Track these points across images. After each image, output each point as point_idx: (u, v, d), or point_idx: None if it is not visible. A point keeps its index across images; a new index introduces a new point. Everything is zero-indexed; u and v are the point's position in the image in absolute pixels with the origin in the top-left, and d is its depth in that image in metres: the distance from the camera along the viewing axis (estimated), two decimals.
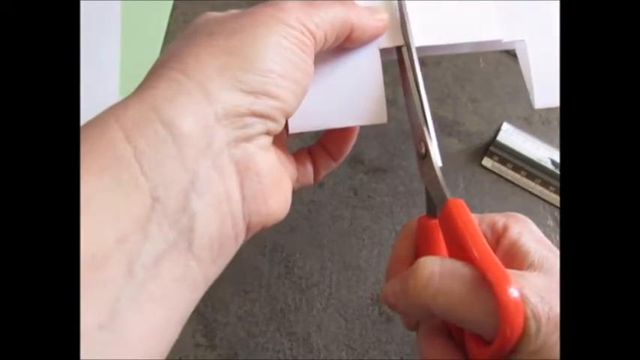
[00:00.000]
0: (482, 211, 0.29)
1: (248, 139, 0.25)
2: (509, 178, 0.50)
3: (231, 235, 0.25)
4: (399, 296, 0.26)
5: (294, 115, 0.29)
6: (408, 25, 0.30)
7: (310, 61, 0.27)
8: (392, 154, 0.51)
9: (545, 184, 0.49)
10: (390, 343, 0.46)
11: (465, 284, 0.24)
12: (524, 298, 0.22)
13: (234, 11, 0.27)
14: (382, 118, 0.30)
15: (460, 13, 0.31)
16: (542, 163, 0.49)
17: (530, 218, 0.29)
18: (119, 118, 0.22)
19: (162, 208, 0.22)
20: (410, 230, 0.31)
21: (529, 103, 0.52)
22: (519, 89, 0.53)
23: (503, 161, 0.50)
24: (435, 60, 0.54)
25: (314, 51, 0.27)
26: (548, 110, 0.52)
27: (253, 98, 0.24)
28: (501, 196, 0.50)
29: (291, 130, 0.30)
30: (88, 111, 0.23)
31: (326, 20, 0.27)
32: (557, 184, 0.49)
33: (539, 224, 0.29)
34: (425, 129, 0.29)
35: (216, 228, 0.24)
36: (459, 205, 0.26)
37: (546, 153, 0.49)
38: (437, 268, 0.24)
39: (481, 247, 0.24)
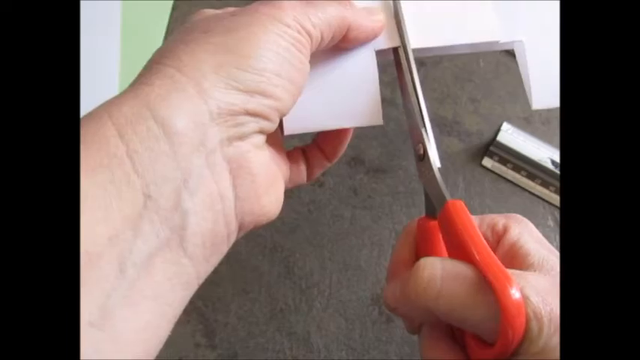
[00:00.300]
0: (482, 212, 0.29)
1: (242, 137, 0.25)
2: (509, 178, 0.50)
3: (224, 234, 0.25)
4: (399, 299, 0.26)
5: (290, 117, 0.29)
6: (404, 26, 0.30)
7: (306, 60, 0.27)
8: (392, 154, 0.51)
9: (545, 184, 0.49)
10: (390, 343, 0.46)
11: (466, 286, 0.23)
12: (525, 299, 0.22)
13: (231, 9, 0.27)
14: (378, 119, 0.30)
15: (457, 14, 0.31)
16: (542, 163, 0.49)
17: (530, 218, 0.29)
18: (112, 115, 0.22)
19: (154, 205, 0.22)
20: (410, 232, 0.31)
21: (529, 103, 0.52)
22: (519, 89, 0.53)
23: (503, 161, 0.50)
24: (435, 60, 0.54)
25: (310, 50, 0.27)
26: (548, 110, 0.52)
27: (248, 97, 0.24)
28: (501, 196, 0.50)
29: (287, 131, 0.30)
30: (88, 111, 0.23)
31: (323, 19, 0.27)
32: (557, 184, 0.49)
33: (539, 224, 0.29)
34: (423, 130, 0.29)
35: (209, 226, 0.24)
36: (458, 206, 0.26)
37: (546, 153, 0.49)
38: (438, 270, 0.24)
39: (481, 249, 0.24)
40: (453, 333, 0.27)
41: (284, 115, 0.27)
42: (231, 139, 0.24)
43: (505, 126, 0.51)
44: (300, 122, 0.30)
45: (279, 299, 0.48)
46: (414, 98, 0.29)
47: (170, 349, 0.46)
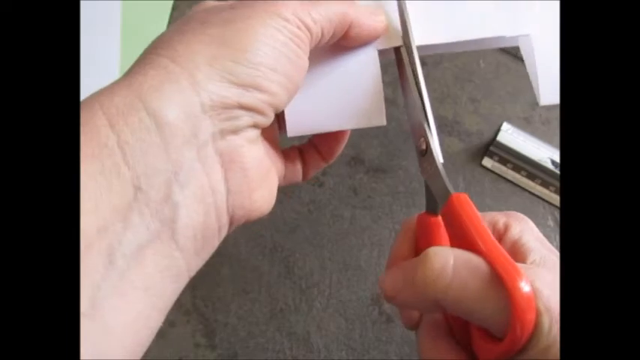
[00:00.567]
0: (481, 211, 0.29)
1: (234, 131, 0.24)
2: (509, 178, 0.50)
3: (215, 227, 0.24)
4: (401, 288, 0.26)
5: (293, 118, 0.29)
6: (408, 23, 0.30)
7: (305, 56, 0.26)
8: (392, 154, 0.51)
9: (545, 184, 0.49)
10: (390, 343, 0.46)
11: (478, 277, 0.23)
12: (536, 292, 0.22)
13: (232, 2, 0.27)
14: (381, 120, 0.30)
15: (461, 10, 0.31)
16: (542, 163, 0.49)
17: (530, 218, 0.29)
18: (103, 105, 0.22)
19: (144, 197, 0.22)
20: (409, 228, 0.30)
21: (529, 103, 0.52)
22: (519, 89, 0.53)
23: (503, 161, 0.50)
24: (435, 60, 0.54)
25: (309, 46, 0.26)
26: (548, 110, 0.52)
27: (242, 91, 0.24)
28: (501, 196, 0.50)
29: (290, 133, 0.30)
30: None
31: (324, 15, 0.26)
32: (557, 184, 0.49)
33: (539, 224, 0.29)
34: (425, 125, 0.28)
35: (200, 219, 0.23)
36: (463, 199, 0.25)
37: (546, 153, 0.49)
38: (450, 260, 0.23)
39: (489, 241, 0.23)
40: (453, 329, 0.27)
41: (279, 110, 0.26)
42: (224, 133, 0.24)
43: (505, 126, 0.51)
44: (303, 124, 0.30)
45: (279, 299, 0.48)
46: (415, 93, 0.29)
47: (170, 349, 0.46)
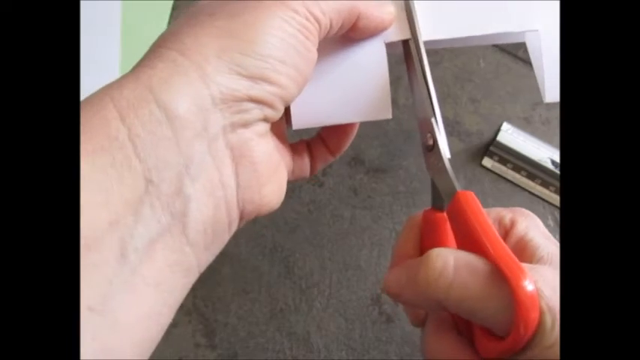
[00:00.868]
0: None
1: (245, 124, 0.24)
2: (509, 178, 0.50)
3: (225, 222, 0.24)
4: (404, 286, 0.26)
5: (298, 111, 0.29)
6: (415, 17, 0.30)
7: (314, 48, 0.26)
8: (392, 154, 0.51)
9: (545, 184, 0.49)
10: (390, 343, 0.46)
11: (479, 277, 0.23)
12: (539, 292, 0.22)
13: None
14: (387, 113, 0.30)
15: (469, 5, 0.30)
16: (542, 163, 0.49)
17: None
18: (114, 98, 0.22)
19: (155, 190, 0.21)
20: (414, 224, 0.30)
21: (529, 103, 0.52)
22: (519, 89, 0.53)
23: (503, 161, 0.50)
24: (435, 60, 0.54)
25: (318, 38, 0.26)
26: (548, 110, 0.52)
27: (251, 83, 0.24)
28: (501, 196, 0.50)
29: (295, 126, 0.30)
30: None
31: (332, 7, 0.26)
32: (557, 184, 0.49)
33: None
34: (433, 120, 0.28)
35: (210, 214, 0.23)
36: (469, 197, 0.25)
37: (546, 153, 0.49)
38: (451, 261, 0.24)
39: (494, 240, 0.23)
40: (459, 326, 0.27)
41: (288, 103, 0.26)
42: (234, 126, 0.24)
43: (505, 126, 0.51)
44: (308, 116, 0.30)
45: (279, 299, 0.48)
46: (423, 88, 0.29)
47: (170, 349, 0.46)
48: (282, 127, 0.29)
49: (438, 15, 0.30)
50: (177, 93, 0.22)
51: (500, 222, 0.28)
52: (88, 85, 0.23)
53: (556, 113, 0.52)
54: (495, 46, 0.54)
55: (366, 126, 0.31)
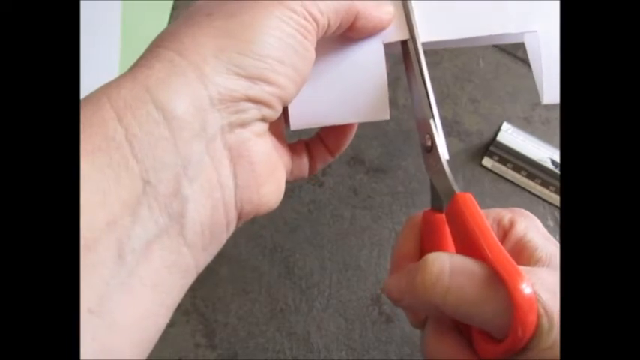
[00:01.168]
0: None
1: (243, 124, 0.24)
2: (509, 178, 0.50)
3: (223, 223, 0.24)
4: (404, 291, 0.26)
5: (296, 111, 0.29)
6: (413, 18, 0.30)
7: (312, 48, 0.26)
8: (392, 154, 0.51)
9: (545, 184, 0.49)
10: (390, 343, 0.46)
11: (476, 282, 0.23)
12: (536, 294, 0.22)
13: None
14: (385, 114, 0.30)
15: (468, 6, 0.30)
16: (542, 163, 0.49)
17: None
18: (111, 98, 0.22)
19: (153, 191, 0.21)
20: (414, 224, 0.30)
21: (529, 103, 0.52)
22: (519, 89, 0.53)
23: (503, 161, 0.50)
24: (435, 60, 0.54)
25: (317, 37, 0.26)
26: (548, 110, 0.52)
27: (249, 83, 0.24)
28: (501, 196, 0.50)
29: (293, 126, 0.30)
30: None
31: (330, 6, 0.26)
32: (557, 184, 0.49)
33: None
34: (431, 121, 0.28)
35: (208, 214, 0.23)
36: (467, 199, 0.25)
37: (546, 153, 0.49)
38: (447, 265, 0.24)
39: (492, 243, 0.23)
40: (459, 327, 0.27)
41: (287, 103, 0.26)
42: (232, 126, 0.24)
43: (505, 126, 0.51)
44: (306, 117, 0.29)
45: (279, 299, 0.48)
46: (422, 89, 0.29)
47: (170, 349, 0.46)
48: (280, 127, 0.29)
49: (436, 16, 0.30)
50: (174, 93, 0.22)
51: (499, 222, 0.28)
52: (88, 85, 0.23)
53: (556, 113, 0.52)
54: (495, 46, 0.54)
55: (366, 126, 0.31)
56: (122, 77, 0.23)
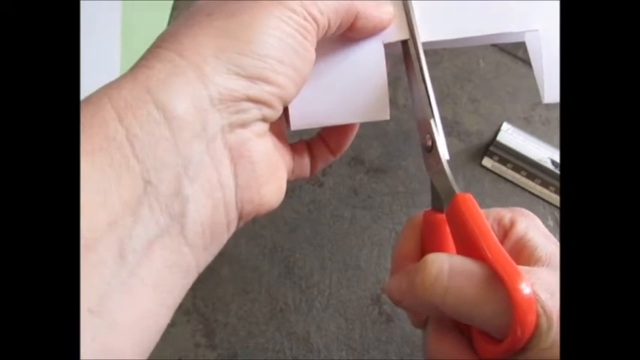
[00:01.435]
0: None
1: (243, 124, 0.24)
2: (509, 178, 0.50)
3: (224, 223, 0.24)
4: (404, 292, 0.26)
5: (296, 112, 0.29)
6: (413, 17, 0.30)
7: (312, 47, 0.26)
8: (392, 154, 0.51)
9: (545, 184, 0.49)
10: (390, 343, 0.46)
11: (475, 283, 0.23)
12: (535, 295, 0.22)
13: None
14: (385, 114, 0.30)
15: (469, 5, 0.30)
16: (542, 163, 0.49)
17: None
18: (112, 98, 0.22)
19: (154, 191, 0.21)
20: (415, 224, 0.30)
21: (529, 103, 0.52)
22: (519, 89, 0.53)
23: (503, 161, 0.50)
24: (435, 60, 0.54)
25: (317, 37, 0.26)
26: (548, 110, 0.52)
27: (249, 83, 0.24)
28: (501, 196, 0.50)
29: (293, 127, 0.30)
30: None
31: (330, 6, 0.26)
32: (557, 184, 0.49)
33: None
34: (432, 121, 0.28)
35: (209, 214, 0.23)
36: (467, 199, 0.25)
37: (546, 153, 0.49)
38: (446, 266, 0.24)
39: (491, 243, 0.24)
40: (460, 327, 0.27)
41: (287, 103, 0.26)
42: (232, 126, 0.24)
43: (505, 126, 0.51)
44: (306, 117, 0.29)
45: (279, 299, 0.48)
46: (422, 89, 0.29)
47: (170, 349, 0.46)
48: (281, 127, 0.29)
49: (436, 15, 0.30)
50: (175, 93, 0.22)
51: (499, 222, 0.28)
52: (88, 85, 0.23)
53: (556, 113, 0.52)
54: (495, 46, 0.54)
55: (366, 126, 0.31)
56: (123, 78, 0.23)
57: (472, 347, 0.26)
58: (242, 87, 0.24)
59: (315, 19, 0.25)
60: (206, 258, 0.24)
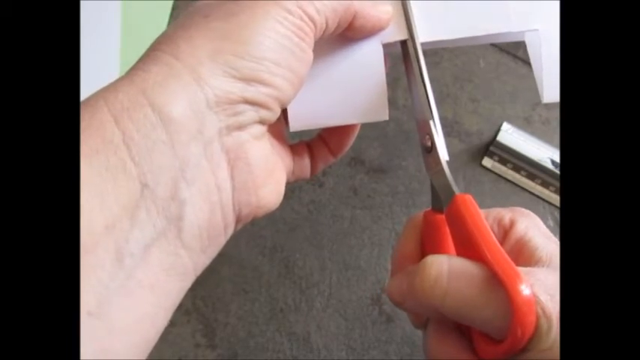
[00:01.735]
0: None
1: (240, 127, 0.24)
2: (509, 178, 0.50)
3: (221, 225, 0.24)
4: (405, 294, 0.26)
5: (295, 113, 0.29)
6: (412, 17, 0.30)
7: (309, 49, 0.26)
8: (392, 154, 0.51)
9: (545, 184, 0.49)
10: (390, 343, 0.46)
11: (474, 285, 0.23)
12: (535, 296, 0.22)
13: None
14: (384, 115, 0.30)
15: (469, 5, 0.30)
16: (542, 163, 0.49)
17: None
18: (108, 101, 0.22)
19: (151, 194, 0.21)
20: (415, 225, 0.30)
21: (529, 103, 0.52)
22: (519, 89, 0.53)
23: (503, 161, 0.50)
24: (435, 60, 0.54)
25: (314, 38, 0.26)
26: (549, 110, 0.52)
27: (246, 85, 0.24)
28: (501, 196, 0.50)
29: (292, 128, 0.30)
30: None
31: (328, 5, 0.26)
32: (557, 184, 0.49)
33: None
34: (431, 122, 0.28)
35: (206, 217, 0.23)
36: (467, 200, 0.25)
37: (546, 153, 0.49)
38: (445, 268, 0.24)
39: (491, 245, 0.24)
40: (460, 328, 0.27)
41: (285, 104, 0.26)
42: (229, 129, 0.24)
43: (505, 126, 0.51)
44: (305, 118, 0.29)
45: (279, 299, 0.48)
46: (421, 89, 0.29)
47: (170, 349, 0.46)
48: (281, 128, 0.29)
49: (435, 15, 0.30)
50: (171, 96, 0.22)
51: (499, 222, 0.28)
52: (88, 86, 0.23)
53: (556, 113, 0.52)
54: (495, 46, 0.54)
55: (366, 126, 0.31)
56: (119, 81, 0.23)
57: (472, 348, 0.26)
58: (238, 89, 0.24)
59: (312, 19, 0.25)
60: (203, 260, 0.24)
